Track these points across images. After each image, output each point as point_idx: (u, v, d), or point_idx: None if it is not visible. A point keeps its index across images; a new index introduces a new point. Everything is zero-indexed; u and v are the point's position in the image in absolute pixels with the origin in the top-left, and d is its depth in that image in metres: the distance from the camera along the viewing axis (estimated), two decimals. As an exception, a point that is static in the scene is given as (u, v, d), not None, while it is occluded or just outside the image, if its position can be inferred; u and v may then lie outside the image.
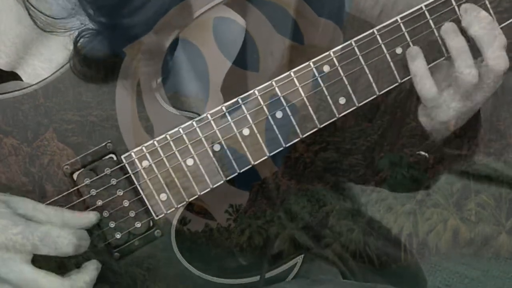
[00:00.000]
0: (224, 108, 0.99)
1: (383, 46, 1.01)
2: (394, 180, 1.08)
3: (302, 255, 1.09)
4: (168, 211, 1.00)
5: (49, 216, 0.94)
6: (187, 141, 0.99)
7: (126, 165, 0.99)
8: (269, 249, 1.12)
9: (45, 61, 1.00)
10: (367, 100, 1.02)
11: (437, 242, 2.37)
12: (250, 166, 1.01)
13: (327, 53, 1.00)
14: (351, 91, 1.01)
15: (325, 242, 1.14)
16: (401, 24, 1.01)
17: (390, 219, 1.13)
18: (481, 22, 0.98)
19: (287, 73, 1.00)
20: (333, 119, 1.02)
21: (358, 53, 1.01)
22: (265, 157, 1.01)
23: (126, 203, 1.00)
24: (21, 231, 0.90)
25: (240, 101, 1.00)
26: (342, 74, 1.01)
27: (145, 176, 0.99)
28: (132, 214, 1.00)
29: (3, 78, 1.00)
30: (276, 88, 1.00)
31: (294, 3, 1.06)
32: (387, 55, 1.01)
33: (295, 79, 1.00)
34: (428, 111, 1.02)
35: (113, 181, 0.99)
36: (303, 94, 1.00)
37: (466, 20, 0.99)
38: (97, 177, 0.99)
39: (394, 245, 1.23)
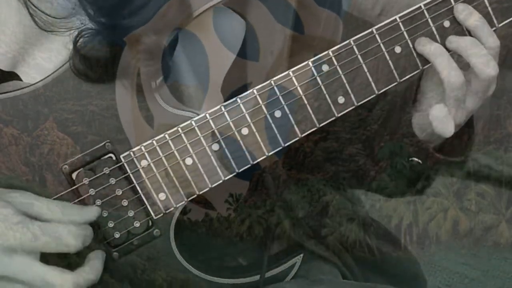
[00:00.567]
0: (222, 108, 0.99)
1: (382, 45, 1.01)
2: (394, 170, 1.08)
3: (301, 255, 1.10)
4: (167, 211, 1.01)
5: (54, 212, 0.94)
6: (186, 141, 0.99)
7: (125, 164, 0.99)
8: (269, 246, 1.12)
9: (45, 61, 1.00)
10: (366, 100, 1.02)
11: (437, 231, 2.37)
12: (249, 165, 1.01)
13: (325, 52, 1.00)
14: (350, 90, 1.01)
15: (325, 232, 1.14)
16: (400, 23, 1.01)
17: (390, 208, 1.12)
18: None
19: (286, 72, 1.00)
20: (332, 119, 1.02)
21: (357, 52, 1.01)
22: (264, 157, 1.01)
23: (125, 203, 1.00)
24: (30, 231, 0.90)
25: (239, 101, 1.00)
26: (341, 73, 1.01)
27: (144, 176, 1.00)
28: (131, 213, 1.00)
29: (3, 78, 1.00)
30: (275, 87, 1.00)
31: None
32: (386, 54, 1.01)
33: (293, 78, 1.00)
34: (421, 122, 1.03)
35: (112, 181, 0.99)
36: (301, 93, 1.00)
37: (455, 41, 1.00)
38: (96, 176, 0.99)
39: (394, 234, 1.23)
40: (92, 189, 0.99)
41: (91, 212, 0.97)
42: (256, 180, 1.10)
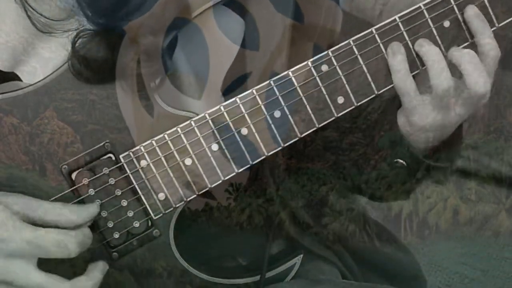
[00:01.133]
0: (222, 108, 0.99)
1: (381, 45, 1.01)
2: (394, 159, 1.08)
3: (301, 255, 1.10)
4: (167, 211, 1.01)
5: (52, 214, 0.94)
6: (185, 141, 1.00)
7: (125, 164, 0.99)
8: (270, 244, 1.12)
9: (44, 62, 1.00)
10: (365, 100, 1.02)
11: (437, 221, 2.37)
12: (249, 166, 1.01)
13: (325, 52, 1.00)
14: (349, 91, 1.01)
15: (325, 221, 1.14)
16: (400, 24, 1.01)
17: (390, 197, 1.13)
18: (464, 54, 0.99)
19: (285, 72, 1.00)
20: (331, 119, 1.02)
21: (356, 52, 1.00)
22: (263, 157, 1.01)
23: (124, 203, 1.00)
24: (26, 236, 0.90)
25: (238, 101, 1.00)
26: (340, 73, 1.01)
27: (144, 176, 1.00)
28: (130, 213, 1.00)
29: (2, 78, 1.00)
30: (274, 88, 1.00)
31: None
32: (386, 55, 1.01)
33: (293, 78, 1.00)
34: (407, 114, 1.03)
35: (112, 181, 0.99)
36: (301, 94, 1.00)
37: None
38: (96, 176, 0.99)
39: (394, 223, 1.23)
40: (91, 189, 0.99)
41: (91, 210, 0.97)
42: (256, 170, 1.10)
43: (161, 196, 1.00)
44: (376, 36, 1.01)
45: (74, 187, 0.99)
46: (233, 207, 1.09)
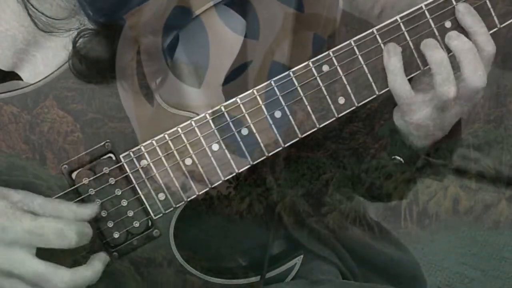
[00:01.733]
0: (222, 108, 0.99)
1: (382, 45, 1.01)
2: (394, 148, 1.08)
3: (301, 256, 1.10)
4: (167, 211, 1.01)
5: (52, 209, 0.94)
6: (185, 141, 0.99)
7: (125, 164, 0.99)
8: (271, 241, 1.12)
9: (45, 61, 1.00)
10: (366, 100, 1.02)
11: (437, 210, 2.37)
12: (249, 166, 1.01)
13: (326, 52, 1.00)
14: (350, 91, 1.01)
15: (325, 210, 1.14)
16: (401, 24, 1.01)
17: (390, 186, 1.12)
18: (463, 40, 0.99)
19: (286, 72, 1.00)
20: (332, 119, 1.02)
21: (357, 52, 1.00)
22: (264, 157, 1.01)
23: (124, 203, 1.00)
24: (25, 225, 0.90)
25: (239, 101, 0.99)
26: (341, 73, 1.00)
27: (144, 176, 0.99)
28: (130, 213, 1.00)
29: (3, 78, 1.00)
30: (275, 88, 1.00)
31: None
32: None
33: (294, 78, 1.00)
34: (402, 114, 1.03)
35: (112, 181, 0.99)
36: (302, 94, 1.00)
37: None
38: (96, 176, 0.99)
39: (394, 212, 1.23)
40: (91, 189, 0.99)
41: (91, 209, 0.97)
42: None
43: (161, 196, 1.00)
44: (377, 36, 1.00)
45: (74, 186, 0.99)
46: (233, 195, 1.09)
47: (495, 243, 2.31)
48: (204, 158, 1.00)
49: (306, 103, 1.00)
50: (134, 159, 0.99)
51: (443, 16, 1.01)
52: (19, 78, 1.00)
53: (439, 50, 0.99)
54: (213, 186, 1.00)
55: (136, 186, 1.00)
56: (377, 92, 1.02)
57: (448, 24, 1.01)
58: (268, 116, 1.00)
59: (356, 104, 1.01)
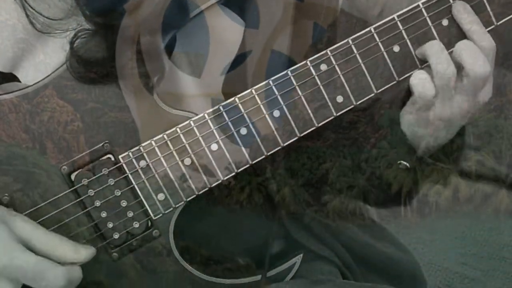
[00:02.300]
0: (221, 108, 0.99)
1: (380, 44, 1.01)
2: (394, 137, 1.08)
3: (301, 255, 1.10)
4: (166, 211, 1.01)
5: (48, 245, 0.93)
6: (184, 141, 0.99)
7: (124, 165, 0.99)
8: (271, 242, 1.12)
9: (43, 62, 1.00)
10: (365, 99, 1.02)
11: (437, 199, 2.37)
12: (248, 165, 1.01)
13: (324, 51, 1.00)
14: (348, 90, 1.01)
15: (325, 199, 1.14)
16: (398, 22, 1.01)
17: (390, 175, 1.12)
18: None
19: (284, 72, 1.00)
20: (331, 118, 1.02)
21: (355, 51, 1.00)
22: (263, 157, 1.01)
23: (124, 203, 1.00)
24: (19, 261, 0.90)
25: (237, 101, 1.00)
26: (339, 72, 1.01)
27: (143, 176, 0.99)
28: (130, 214, 1.00)
29: (1, 79, 1.00)
30: (273, 87, 1.00)
31: None
32: (385, 53, 1.01)
33: (292, 77, 1.00)
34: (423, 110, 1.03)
35: (111, 181, 0.99)
36: (300, 93, 1.00)
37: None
38: (95, 177, 0.99)
39: (394, 201, 1.23)
40: (91, 190, 0.99)
41: (86, 253, 0.95)
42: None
43: (161, 196, 1.00)
44: (375, 35, 1.00)
45: (74, 187, 0.99)
46: (233, 185, 1.09)
47: (495, 243, 2.31)
48: (203, 158, 1.00)
49: (305, 102, 1.00)
50: (133, 159, 0.99)
51: (440, 14, 1.01)
52: (18, 80, 1.00)
53: (436, 41, 0.99)
54: (212, 186, 1.01)
55: (135, 186, 1.00)
56: (375, 91, 1.02)
57: (445, 22, 1.02)
58: (266, 116, 1.00)
59: (355, 103, 1.02)
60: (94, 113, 0.98)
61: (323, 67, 1.00)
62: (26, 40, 0.99)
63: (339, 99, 1.01)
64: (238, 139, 1.00)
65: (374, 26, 1.00)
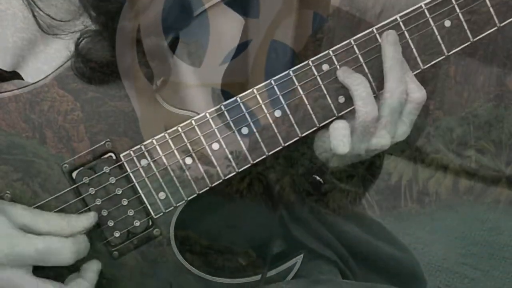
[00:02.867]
0: (222, 107, 0.99)
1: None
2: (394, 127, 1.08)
3: (301, 255, 1.10)
4: (167, 210, 1.01)
5: (49, 223, 0.94)
6: (185, 140, 1.00)
7: (125, 163, 0.99)
8: (272, 242, 1.12)
9: (47, 61, 1.00)
10: (366, 99, 1.02)
11: (437, 188, 2.36)
12: (249, 165, 1.01)
13: (326, 52, 1.00)
14: (350, 90, 1.01)
15: (325, 189, 1.14)
16: (401, 23, 1.01)
17: (390, 165, 1.11)
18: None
19: (286, 72, 1.00)
20: (332, 118, 1.02)
21: (357, 52, 1.00)
22: (264, 156, 1.01)
23: (124, 202, 1.00)
24: (21, 247, 0.91)
25: (239, 100, 1.00)
26: (341, 73, 1.00)
27: (144, 175, 1.00)
28: (130, 213, 1.00)
29: (5, 77, 1.00)
30: (275, 87, 1.00)
31: None
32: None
33: (293, 77, 1.00)
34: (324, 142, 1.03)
35: (112, 180, 0.99)
36: (302, 93, 1.00)
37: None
38: (96, 175, 0.99)
39: (394, 191, 1.23)
40: (92, 188, 0.99)
41: (88, 219, 0.97)
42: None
43: (162, 195, 1.00)
44: (377, 35, 1.00)
45: (75, 185, 0.99)
46: (233, 175, 1.09)
47: (495, 243, 2.31)
48: (204, 157, 1.00)
49: (306, 102, 1.01)
50: (135, 158, 0.99)
51: (442, 15, 1.01)
52: (21, 78, 1.00)
53: (356, 74, 0.99)
54: (213, 185, 1.01)
55: (136, 185, 1.00)
56: (376, 91, 1.02)
57: (447, 23, 1.02)
58: (268, 115, 1.00)
59: (356, 103, 1.02)
60: (94, 102, 0.98)
61: (325, 67, 1.00)
62: (31, 40, 0.99)
63: (341, 99, 1.01)
64: (239, 138, 1.00)
65: (376, 26, 1.01)
